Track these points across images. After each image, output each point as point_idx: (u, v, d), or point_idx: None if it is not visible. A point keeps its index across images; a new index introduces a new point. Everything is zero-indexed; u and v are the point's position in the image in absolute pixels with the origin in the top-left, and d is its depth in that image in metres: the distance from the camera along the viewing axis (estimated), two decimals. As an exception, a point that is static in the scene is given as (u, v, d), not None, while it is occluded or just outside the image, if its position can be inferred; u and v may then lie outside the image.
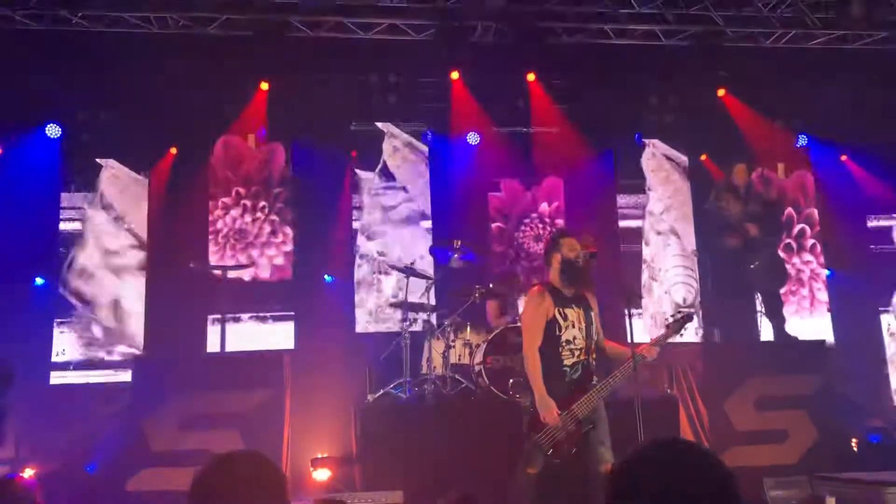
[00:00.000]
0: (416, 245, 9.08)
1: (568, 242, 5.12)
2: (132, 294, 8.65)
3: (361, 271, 9.09)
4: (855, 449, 7.37)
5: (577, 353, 4.96)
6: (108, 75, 8.34)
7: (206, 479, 1.97)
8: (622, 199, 9.66)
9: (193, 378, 6.77)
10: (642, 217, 9.69)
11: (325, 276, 8.86)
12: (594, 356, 5.05)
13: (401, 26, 8.46)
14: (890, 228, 9.88)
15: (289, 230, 8.97)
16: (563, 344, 4.94)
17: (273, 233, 8.95)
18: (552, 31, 8.58)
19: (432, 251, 8.44)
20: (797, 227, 9.73)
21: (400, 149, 9.35)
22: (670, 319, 5.15)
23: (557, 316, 4.97)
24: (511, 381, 6.57)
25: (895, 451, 7.39)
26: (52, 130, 8.55)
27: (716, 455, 1.69)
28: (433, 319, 7.33)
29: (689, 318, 5.16)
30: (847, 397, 7.77)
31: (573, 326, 4.98)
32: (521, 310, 7.27)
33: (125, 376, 8.09)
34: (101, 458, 6.71)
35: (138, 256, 8.72)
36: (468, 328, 7.12)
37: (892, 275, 9.66)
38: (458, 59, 8.41)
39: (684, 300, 9.36)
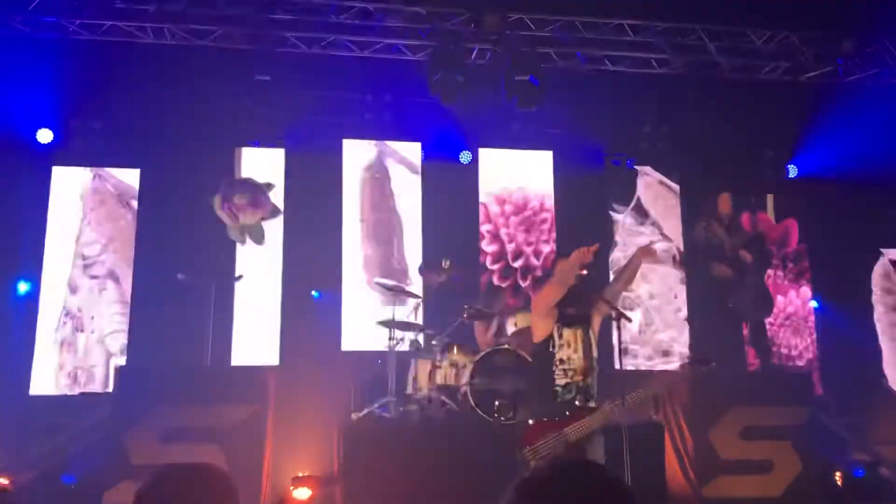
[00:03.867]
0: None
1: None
2: (116, 303, 8.55)
3: (349, 287, 8.98)
4: (839, 483, 7.35)
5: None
6: (102, 84, 8.29)
7: (148, 493, 1.88)
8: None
9: (177, 391, 6.71)
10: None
11: (313, 292, 8.79)
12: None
13: (399, 46, 8.50)
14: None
15: (280, 243, 8.88)
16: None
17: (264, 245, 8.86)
18: (547, 56, 8.64)
19: (421, 271, 8.42)
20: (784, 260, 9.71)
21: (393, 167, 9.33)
22: (687, 361, 5.12)
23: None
24: (497, 403, 6.53)
25: (879, 486, 7.38)
26: (44, 136, 8.50)
27: (620, 481, 1.60)
28: (420, 339, 7.30)
29: (708, 361, 5.12)
30: (832, 430, 7.76)
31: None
32: (510, 331, 7.25)
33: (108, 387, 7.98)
34: (79, 470, 6.62)
35: (122, 265, 8.62)
36: (455, 348, 7.07)
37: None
38: (454, 80, 8.41)
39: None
